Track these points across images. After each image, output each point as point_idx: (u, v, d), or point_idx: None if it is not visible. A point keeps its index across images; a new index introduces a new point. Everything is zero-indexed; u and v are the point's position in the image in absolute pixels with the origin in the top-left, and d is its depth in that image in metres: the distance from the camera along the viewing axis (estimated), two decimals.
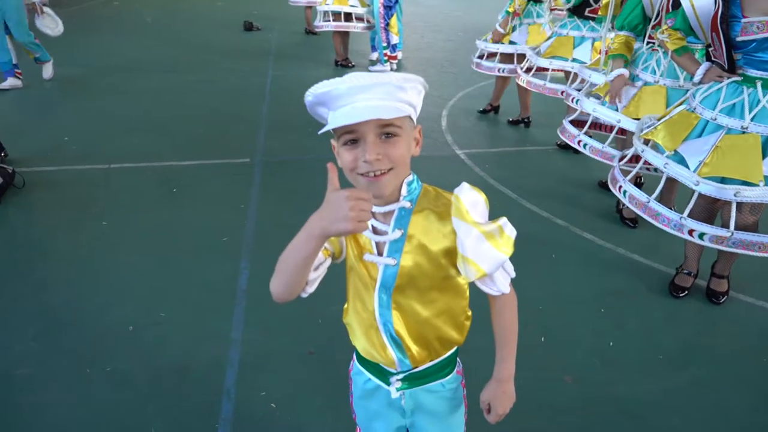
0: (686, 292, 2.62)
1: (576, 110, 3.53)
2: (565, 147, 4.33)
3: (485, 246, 0.96)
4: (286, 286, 0.98)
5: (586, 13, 3.98)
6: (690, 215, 2.35)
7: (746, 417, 1.98)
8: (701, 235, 2.33)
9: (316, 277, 1.04)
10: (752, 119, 2.21)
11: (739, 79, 2.29)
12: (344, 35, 6.85)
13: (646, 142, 2.60)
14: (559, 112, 4.86)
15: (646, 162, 2.60)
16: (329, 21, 6.65)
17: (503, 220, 1.00)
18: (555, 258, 2.90)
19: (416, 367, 1.11)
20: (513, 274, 1.06)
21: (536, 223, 3.25)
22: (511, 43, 4.58)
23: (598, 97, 3.22)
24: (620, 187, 2.65)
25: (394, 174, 0.96)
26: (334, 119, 0.93)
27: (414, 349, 1.07)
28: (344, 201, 0.87)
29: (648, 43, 3.07)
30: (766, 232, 2.30)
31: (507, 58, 4.73)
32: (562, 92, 4.20)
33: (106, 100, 5.36)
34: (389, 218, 1.02)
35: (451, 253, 1.00)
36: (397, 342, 1.07)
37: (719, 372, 2.19)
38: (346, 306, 1.18)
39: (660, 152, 2.48)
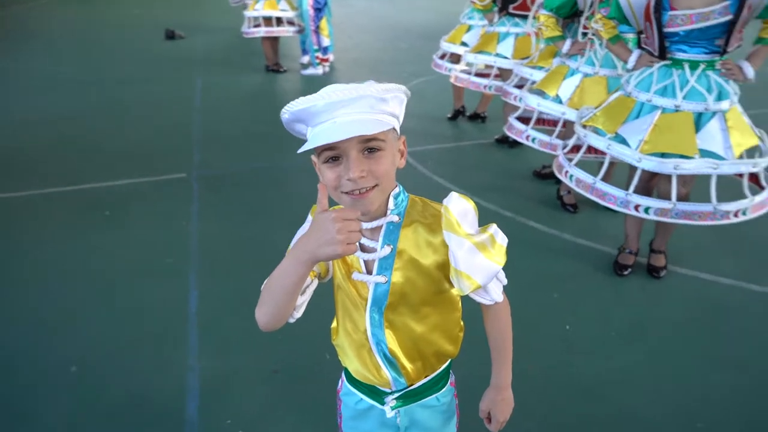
0: (629, 270, 2.75)
1: (515, 107, 3.63)
2: (502, 141, 4.44)
3: (478, 258, 0.94)
4: (274, 315, 0.93)
5: (511, 10, 4.09)
6: (636, 192, 2.47)
7: (699, 381, 2.09)
8: (647, 209, 2.45)
9: (303, 301, 0.99)
10: (684, 98, 2.36)
11: (668, 62, 2.42)
12: (274, 40, 6.72)
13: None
14: (495, 109, 4.99)
15: (589, 149, 2.71)
16: (260, 26, 6.51)
17: (494, 228, 0.99)
18: (507, 248, 2.96)
19: (411, 385, 1.08)
20: (505, 282, 1.05)
21: (484, 216, 3.24)
22: (463, 44, 4.64)
23: (540, 93, 3.32)
24: (566, 172, 2.75)
25: (379, 190, 0.92)
26: (315, 137, 0.87)
27: (409, 366, 1.04)
28: (331, 223, 0.82)
29: (583, 33, 3.19)
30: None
31: (458, 58, 4.78)
32: (485, 86, 4.34)
33: (16, 119, 4.98)
34: (377, 234, 0.98)
35: (443, 267, 0.97)
36: (392, 361, 1.03)
37: (669, 342, 2.31)
38: (334, 326, 1.14)
39: (602, 136, 2.59)
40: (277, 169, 3.97)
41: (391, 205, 0.97)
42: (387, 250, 0.97)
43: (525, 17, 4.06)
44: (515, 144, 4.35)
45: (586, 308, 2.51)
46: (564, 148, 2.93)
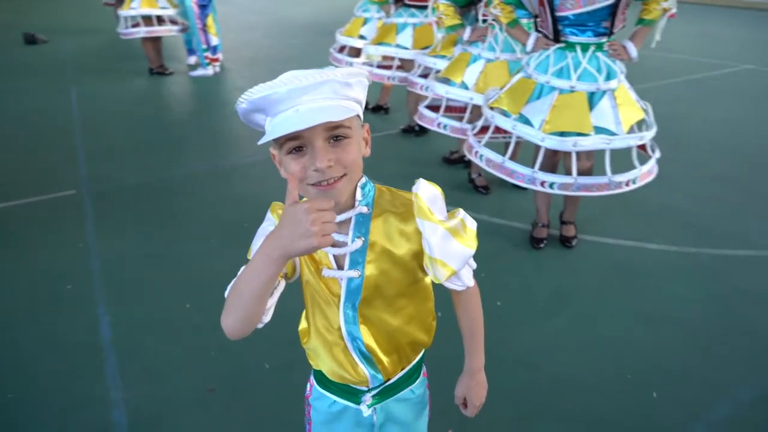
0: (545, 242, 2.91)
1: (419, 96, 3.69)
2: (408, 130, 4.51)
3: (452, 244, 0.92)
4: (244, 320, 0.84)
5: (407, 1, 4.15)
6: (541, 169, 2.61)
7: (621, 338, 2.26)
8: (551, 185, 2.61)
9: (271, 304, 0.91)
10: (578, 79, 2.52)
11: (562, 45, 2.57)
12: (156, 40, 6.27)
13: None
14: (396, 100, 5.05)
15: (497, 130, 2.81)
16: (139, 26, 6.03)
17: (462, 213, 0.97)
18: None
19: (388, 380, 1.04)
20: (475, 266, 1.04)
21: None
22: (361, 37, 4.60)
23: (446, 81, 3.39)
24: (476, 152, 2.85)
25: (348, 179, 0.87)
26: (276, 127, 0.80)
27: (386, 361, 1.01)
28: (304, 215, 0.76)
29: (482, 21, 3.30)
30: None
31: (357, 51, 4.74)
32: (388, 78, 4.38)
33: None
34: (346, 227, 0.93)
35: (417, 256, 0.94)
36: (368, 357, 0.99)
37: (588, 305, 2.47)
38: (303, 328, 1.07)
39: (507, 117, 2.70)
40: (177, 177, 3.72)
41: (358, 195, 0.92)
42: (358, 243, 0.93)
43: (421, 8, 4.13)
44: (422, 132, 4.44)
45: (512, 283, 2.61)
46: (473, 129, 3.03)
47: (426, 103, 3.57)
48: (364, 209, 0.93)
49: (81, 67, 6.67)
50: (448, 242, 0.91)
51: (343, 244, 0.93)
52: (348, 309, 0.95)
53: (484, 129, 2.96)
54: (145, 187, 3.58)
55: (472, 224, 0.97)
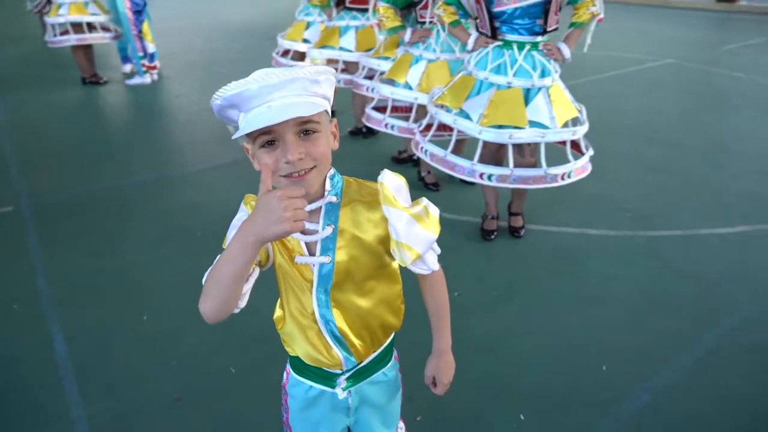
0: (495, 233, 3.04)
1: (365, 98, 3.74)
2: (356, 132, 4.56)
3: (416, 228, 0.98)
4: (222, 303, 0.88)
5: (348, 4, 4.20)
6: (480, 161, 2.74)
7: (570, 319, 2.40)
8: (489, 176, 2.74)
9: (246, 290, 0.95)
10: (514, 75, 2.66)
11: (500, 43, 2.70)
12: (87, 48, 6.02)
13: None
14: (340, 103, 5.08)
15: (443, 128, 2.92)
16: (68, 34, 5.78)
17: (425, 201, 1.04)
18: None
19: (361, 362, 1.10)
20: (439, 251, 1.10)
21: None
22: (304, 41, 4.60)
23: (390, 82, 3.46)
24: (422, 148, 2.96)
25: (317, 171, 0.93)
26: (249, 122, 0.85)
27: (358, 343, 1.06)
28: (277, 202, 0.81)
29: (419, 22, 3.40)
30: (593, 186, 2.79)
31: (301, 55, 4.74)
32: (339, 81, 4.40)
33: None
34: (316, 216, 0.98)
35: (384, 241, 1.01)
36: (341, 340, 1.04)
37: (539, 291, 2.61)
38: (278, 315, 1.11)
39: (449, 112, 2.81)
40: (122, 189, 3.62)
41: (328, 186, 0.98)
42: (329, 230, 0.98)
43: (362, 10, 4.19)
44: (369, 134, 4.51)
45: (467, 274, 2.72)
46: (419, 127, 3.13)
47: (372, 104, 3.64)
48: (333, 198, 0.98)
49: (5, 78, 6.32)
50: (412, 227, 0.98)
51: (314, 232, 0.98)
52: (320, 293, 1.01)
53: (430, 126, 3.07)
54: (88, 199, 3.47)
55: (434, 211, 1.04)
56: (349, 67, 4.31)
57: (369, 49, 4.10)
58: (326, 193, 0.98)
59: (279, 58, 4.84)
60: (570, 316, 2.43)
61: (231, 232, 0.97)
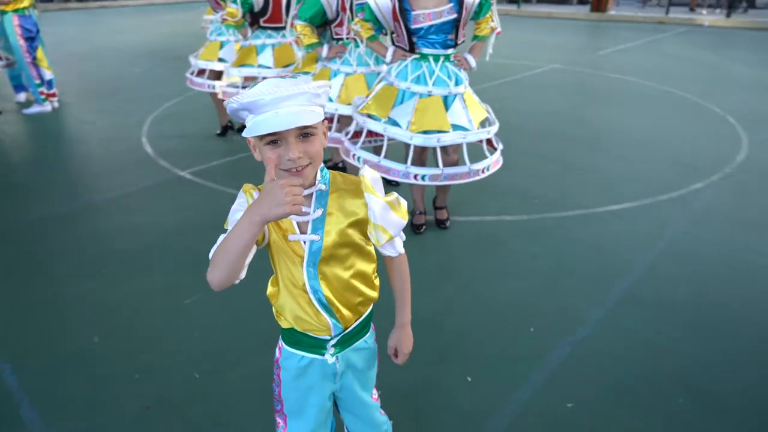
0: (424, 227, 3.32)
1: None
2: None
3: (390, 214, 1.19)
4: (229, 273, 1.04)
5: (262, 23, 4.34)
6: (411, 164, 3.01)
7: (496, 293, 2.71)
8: (423, 177, 3.02)
9: (247, 263, 1.10)
10: (433, 84, 2.96)
11: (417, 56, 3.00)
12: None
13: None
14: None
15: (369, 134, 3.16)
16: None
17: (396, 194, 1.24)
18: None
19: (347, 328, 1.27)
20: (404, 237, 1.31)
21: None
22: (221, 60, 4.64)
23: None
24: (354, 155, 3.17)
25: (312, 167, 1.12)
26: (258, 125, 1.02)
27: (343, 311, 1.24)
28: (279, 189, 0.99)
29: (335, 39, 3.62)
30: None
31: (217, 74, 4.78)
32: None
33: None
34: (308, 201, 1.16)
35: (363, 224, 1.20)
36: (328, 307, 1.22)
37: (468, 273, 2.91)
38: (271, 291, 1.26)
39: (377, 121, 3.06)
40: (46, 219, 3.50)
41: (318, 177, 1.17)
42: (319, 212, 1.17)
43: (277, 29, 4.36)
44: None
45: None
46: (347, 135, 3.35)
47: None
48: (323, 187, 1.18)
49: None
50: (387, 212, 1.19)
51: (306, 214, 1.17)
52: (310, 267, 1.19)
53: (357, 134, 3.30)
54: (13, 233, 3.33)
55: (404, 202, 1.26)
56: None
57: (287, 65, 4.27)
58: (317, 182, 1.17)
59: (194, 78, 4.87)
60: (498, 290, 2.75)
61: (232, 216, 1.14)
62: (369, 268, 1.28)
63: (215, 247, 1.07)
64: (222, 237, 1.07)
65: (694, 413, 1.99)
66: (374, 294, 1.32)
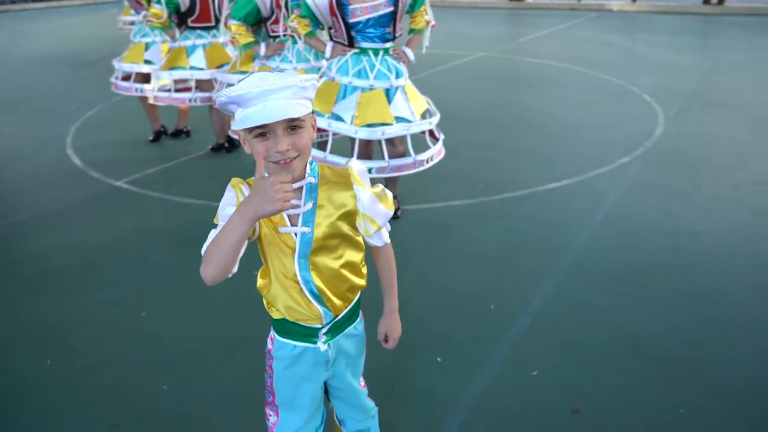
0: None
1: (224, 114, 3.80)
2: (217, 148, 4.57)
3: (378, 205, 1.22)
4: (223, 268, 1.05)
5: (190, 24, 4.20)
6: (358, 158, 3.03)
7: (450, 275, 2.80)
8: (370, 170, 3.06)
9: (238, 258, 1.11)
10: (375, 78, 3.00)
11: (357, 51, 3.02)
12: None
13: None
14: (194, 121, 5.04)
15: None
16: None
17: (381, 186, 1.27)
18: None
19: (337, 315, 1.29)
20: (390, 228, 1.33)
21: None
22: (147, 62, 4.44)
23: None
24: None
25: (300, 159, 1.13)
26: (247, 117, 1.03)
27: (333, 299, 1.26)
28: (270, 186, 1.00)
29: (271, 36, 3.57)
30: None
31: (144, 77, 4.57)
32: (189, 100, 4.38)
33: None
34: (299, 193, 1.17)
35: (352, 215, 1.22)
36: (319, 297, 1.24)
37: (422, 258, 2.98)
38: (261, 283, 1.27)
39: (321, 117, 3.06)
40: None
41: (308, 170, 1.19)
42: (309, 205, 1.18)
43: (206, 28, 4.24)
44: (232, 148, 4.55)
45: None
46: None
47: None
48: (312, 180, 1.19)
49: None
50: (375, 203, 1.22)
51: (297, 206, 1.18)
52: (301, 258, 1.20)
53: None
54: None
55: (389, 194, 1.29)
56: (202, 85, 4.33)
57: (221, 65, 4.17)
58: (306, 175, 1.18)
59: (119, 83, 4.66)
60: (455, 272, 2.84)
61: (222, 211, 1.14)
62: (357, 257, 1.31)
63: (207, 243, 1.08)
64: (213, 233, 1.08)
65: (645, 369, 2.15)
66: (362, 282, 1.35)
